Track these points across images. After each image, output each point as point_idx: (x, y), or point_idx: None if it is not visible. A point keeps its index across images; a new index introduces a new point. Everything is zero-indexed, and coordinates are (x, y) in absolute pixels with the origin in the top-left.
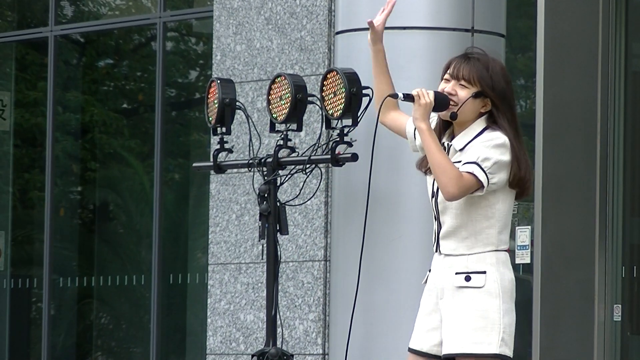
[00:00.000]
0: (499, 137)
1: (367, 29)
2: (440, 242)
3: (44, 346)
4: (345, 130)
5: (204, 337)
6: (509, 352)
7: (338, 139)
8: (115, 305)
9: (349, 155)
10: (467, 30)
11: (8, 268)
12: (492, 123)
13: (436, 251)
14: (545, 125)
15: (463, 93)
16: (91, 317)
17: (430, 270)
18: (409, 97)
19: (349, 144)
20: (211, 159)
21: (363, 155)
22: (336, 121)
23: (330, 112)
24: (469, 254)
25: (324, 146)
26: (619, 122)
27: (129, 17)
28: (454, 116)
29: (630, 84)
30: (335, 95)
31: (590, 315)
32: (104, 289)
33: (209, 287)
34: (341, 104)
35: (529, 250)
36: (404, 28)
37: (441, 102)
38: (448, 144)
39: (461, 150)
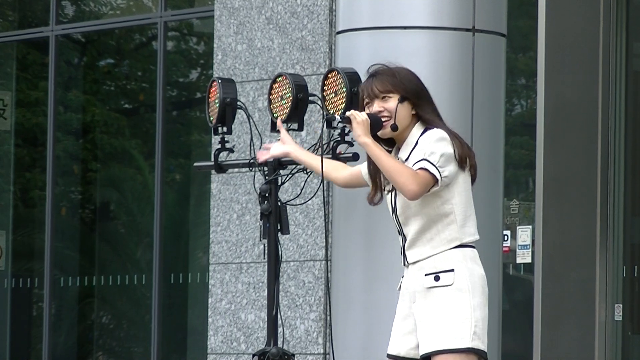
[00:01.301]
0: (436, 132)
1: (368, 28)
2: (406, 253)
3: (45, 346)
4: (346, 130)
5: (205, 336)
6: (482, 345)
7: (339, 139)
8: (116, 305)
9: (350, 154)
10: (467, 30)
11: (9, 267)
12: (425, 124)
13: (404, 264)
14: (546, 124)
15: (390, 103)
16: (92, 317)
17: (403, 277)
18: (345, 119)
19: (350, 144)
20: (212, 159)
21: (364, 155)
22: (323, 122)
23: (331, 111)
24: (435, 254)
25: (325, 146)
26: (619, 122)
27: (130, 17)
28: (395, 127)
29: (631, 83)
30: (336, 94)
31: (591, 314)
32: (105, 289)
33: (210, 286)
34: (342, 103)
35: (530, 249)
36: (405, 27)
37: (375, 121)
38: (396, 158)
39: (407, 159)
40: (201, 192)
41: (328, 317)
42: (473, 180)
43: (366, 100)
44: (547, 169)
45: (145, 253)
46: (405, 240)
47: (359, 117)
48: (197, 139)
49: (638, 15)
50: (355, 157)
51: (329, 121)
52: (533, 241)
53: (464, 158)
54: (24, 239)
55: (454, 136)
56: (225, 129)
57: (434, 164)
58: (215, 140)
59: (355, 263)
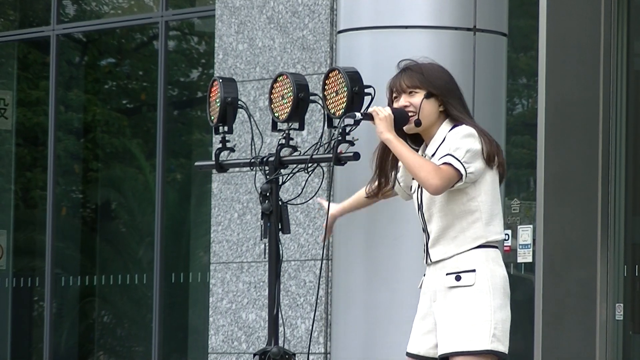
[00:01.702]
0: (464, 128)
1: (369, 28)
2: (430, 251)
3: (46, 345)
4: (347, 129)
5: (206, 336)
6: (502, 347)
7: (340, 138)
8: (117, 304)
9: (351, 154)
10: (469, 29)
11: (10, 267)
12: (454, 121)
13: (426, 262)
14: (547, 124)
15: (415, 99)
16: (93, 316)
17: (424, 275)
18: (367, 116)
19: (351, 143)
20: (213, 158)
21: (365, 154)
22: (338, 120)
23: (332, 111)
24: (459, 253)
25: (326, 145)
26: (620, 121)
27: (131, 16)
28: (418, 123)
29: (632, 82)
30: (337, 94)
31: (592, 314)
32: (106, 288)
33: (211, 286)
34: (343, 102)
35: (531, 249)
36: (406, 27)
37: (400, 116)
38: (422, 154)
39: (433, 155)
40: (202, 191)
41: (329, 317)
42: (502, 179)
43: (394, 95)
44: (548, 168)
45: (146, 252)
46: (429, 238)
47: (381, 113)
48: (198, 139)
49: (639, 14)
50: (356, 157)
51: (348, 119)
52: (534, 240)
53: (492, 156)
54: (25, 238)
55: (482, 133)
56: (226, 128)
57: (459, 159)
58: (216, 139)
59: (356, 263)
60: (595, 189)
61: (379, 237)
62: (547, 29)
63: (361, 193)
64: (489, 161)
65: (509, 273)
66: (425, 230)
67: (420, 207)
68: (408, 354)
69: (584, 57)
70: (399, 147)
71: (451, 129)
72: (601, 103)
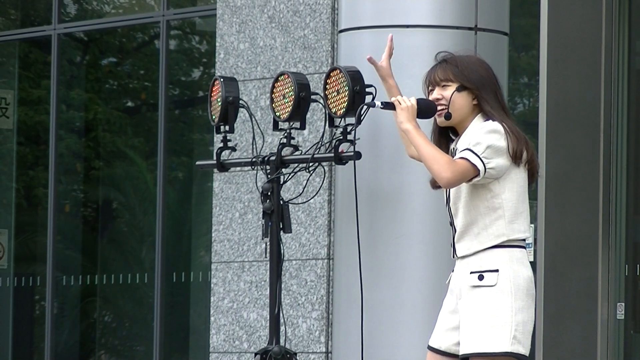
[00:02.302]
0: (490, 124)
1: (370, 27)
2: (456, 246)
3: (47, 344)
4: (349, 128)
5: (207, 335)
6: (523, 350)
7: (341, 137)
8: (118, 304)
9: (352, 153)
10: (470, 29)
11: (11, 266)
12: (486, 116)
13: (453, 257)
14: (548, 123)
15: (447, 92)
16: (94, 316)
17: (452, 271)
18: (388, 105)
19: (352, 142)
20: (214, 157)
21: (366, 154)
22: (339, 119)
23: (333, 110)
24: (482, 250)
25: (327, 144)
26: (622, 120)
27: (132, 16)
28: (448, 116)
29: (634, 82)
30: (338, 93)
31: (593, 313)
32: (107, 288)
33: (212, 285)
34: (344, 102)
35: (532, 248)
36: (407, 26)
37: (427, 107)
38: (453, 148)
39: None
40: (203, 190)
41: (330, 316)
42: (533, 178)
43: (429, 87)
44: (549, 167)
45: (148, 252)
46: (455, 232)
47: (404, 103)
48: (199, 138)
49: None
50: (357, 156)
51: (369, 107)
52: (535, 240)
53: (519, 153)
54: (27, 237)
55: (511, 130)
56: (227, 127)
57: (478, 154)
58: (218, 138)
59: (357, 261)
60: (596, 188)
61: (380, 236)
62: (548, 28)
63: None
64: (515, 158)
65: None
66: (452, 224)
67: (447, 201)
68: (430, 347)
69: (585, 56)
70: (417, 137)
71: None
72: (602, 102)
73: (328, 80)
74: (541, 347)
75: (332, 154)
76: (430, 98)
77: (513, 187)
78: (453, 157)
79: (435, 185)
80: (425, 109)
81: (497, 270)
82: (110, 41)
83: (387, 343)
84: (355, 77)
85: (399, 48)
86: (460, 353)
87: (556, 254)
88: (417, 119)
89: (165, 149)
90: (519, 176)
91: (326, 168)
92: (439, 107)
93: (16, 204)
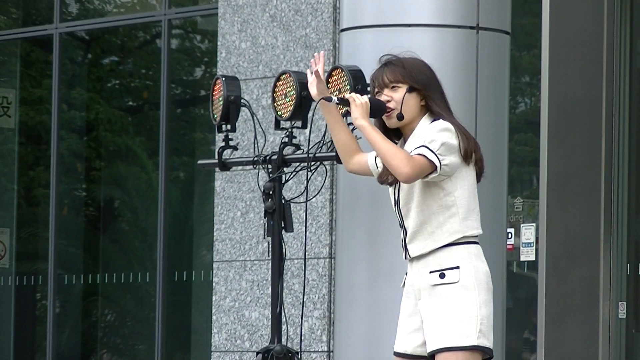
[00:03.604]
0: (441, 123)
1: (372, 26)
2: (408, 247)
3: (49, 343)
4: (350, 127)
5: (209, 334)
6: (488, 343)
7: None
8: (120, 303)
9: None
10: (472, 28)
11: (13, 265)
12: (434, 116)
13: (405, 258)
14: (550, 122)
15: (397, 94)
16: (96, 315)
17: (406, 274)
18: (343, 101)
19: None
20: (216, 156)
21: (365, 146)
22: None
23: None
24: (438, 248)
25: (329, 143)
26: (623, 120)
27: (133, 15)
28: (401, 117)
29: (635, 81)
30: (340, 92)
31: (595, 312)
32: (109, 287)
33: (214, 284)
34: None
35: (534, 247)
36: (409, 25)
37: (377, 106)
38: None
39: (412, 152)
40: (205, 189)
41: (332, 315)
42: (479, 175)
43: (376, 90)
44: (551, 166)
45: (150, 251)
46: (406, 233)
47: (358, 100)
48: (201, 137)
49: None
50: None
51: (327, 99)
52: (537, 239)
53: (469, 152)
54: (28, 237)
55: (460, 130)
56: (229, 126)
57: (433, 151)
58: (219, 138)
59: (359, 261)
60: (598, 187)
61: (381, 235)
62: (550, 27)
63: (355, 157)
64: (466, 157)
65: (511, 271)
66: (402, 225)
67: (397, 202)
68: (396, 353)
69: (587, 55)
70: (373, 134)
71: (430, 123)
72: (604, 101)
73: (330, 80)
74: (543, 346)
75: (334, 153)
76: (380, 99)
77: (464, 185)
78: None
79: (382, 180)
80: (375, 108)
81: (457, 267)
82: (112, 40)
83: (387, 342)
84: (357, 76)
85: (400, 47)
86: (428, 350)
87: (558, 253)
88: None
89: (167, 148)
90: (470, 174)
91: (328, 167)
92: (387, 109)
93: (17, 204)
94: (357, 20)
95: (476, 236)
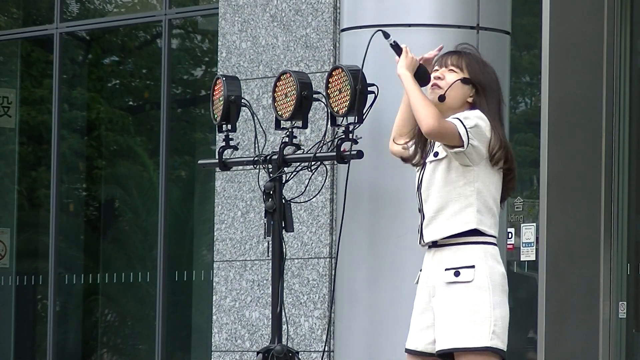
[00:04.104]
0: (478, 113)
1: (372, 26)
2: (424, 231)
3: (50, 343)
4: (351, 127)
5: (209, 334)
6: (501, 345)
7: (343, 136)
8: (120, 302)
9: (354, 152)
10: (472, 28)
11: (14, 265)
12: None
13: (420, 243)
14: (550, 122)
15: (451, 77)
16: (97, 314)
17: (421, 270)
18: (397, 47)
19: (354, 141)
20: (216, 156)
21: (368, 153)
22: (341, 118)
23: (335, 109)
24: (454, 242)
25: (329, 143)
26: (624, 120)
27: (134, 15)
28: (442, 98)
29: (636, 81)
30: (340, 92)
31: (595, 312)
32: (110, 286)
33: (214, 284)
34: (346, 101)
35: (534, 247)
36: (409, 25)
37: (422, 74)
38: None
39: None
40: (205, 189)
41: (332, 315)
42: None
43: (435, 67)
44: (551, 166)
45: (150, 250)
46: (424, 218)
47: (410, 54)
48: (201, 137)
49: None
50: (359, 155)
51: (385, 35)
52: (537, 239)
53: (496, 153)
54: (29, 237)
55: (498, 134)
56: (229, 126)
57: (466, 127)
58: (220, 137)
59: (360, 261)
60: (598, 187)
61: (382, 235)
62: (550, 27)
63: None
64: (491, 155)
65: (512, 271)
66: (420, 210)
67: (419, 186)
68: (407, 350)
69: (587, 55)
70: (411, 85)
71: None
72: (604, 101)
73: (330, 79)
74: (543, 346)
75: (334, 153)
76: (433, 75)
77: (486, 182)
78: (428, 153)
79: (405, 158)
80: (421, 74)
81: (473, 266)
82: (112, 40)
83: (388, 342)
84: (357, 76)
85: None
86: (437, 349)
87: (558, 252)
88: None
89: (168, 147)
90: (494, 177)
91: (328, 167)
92: (432, 85)
93: (18, 203)
94: (358, 20)
95: (493, 237)
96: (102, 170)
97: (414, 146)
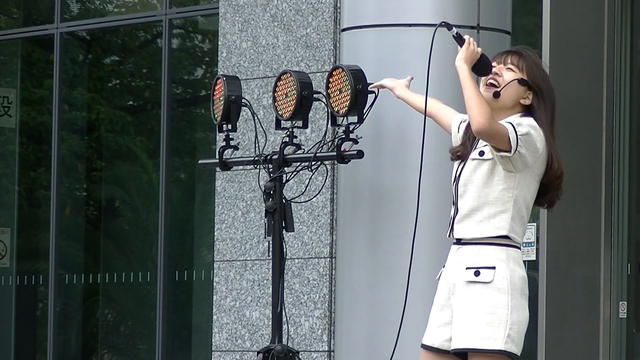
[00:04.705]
0: (532, 121)
1: (372, 26)
2: (455, 226)
3: (50, 343)
4: (351, 127)
5: (209, 334)
6: (515, 349)
7: (344, 136)
8: (121, 303)
9: (355, 152)
10: (472, 28)
11: (14, 265)
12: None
13: (449, 236)
14: None
15: (509, 75)
16: (97, 314)
17: (444, 266)
18: (460, 38)
19: (355, 141)
20: (217, 156)
21: (369, 152)
22: (342, 118)
23: (335, 109)
24: (481, 242)
25: (330, 143)
26: (624, 119)
27: (134, 14)
28: (496, 94)
29: (636, 81)
30: (340, 92)
31: (595, 312)
32: (110, 286)
33: (214, 284)
34: (347, 101)
35: (535, 247)
36: (410, 25)
37: (485, 65)
38: (476, 140)
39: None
40: (206, 189)
41: (332, 315)
42: (550, 198)
43: (494, 63)
44: None
45: (150, 251)
46: (457, 213)
47: (472, 46)
48: (202, 137)
49: None
50: (359, 155)
51: (448, 27)
52: (537, 239)
53: (550, 168)
54: (29, 237)
55: (551, 145)
56: (230, 126)
57: (517, 133)
58: (220, 137)
59: (360, 260)
60: (598, 187)
61: (382, 234)
62: (550, 27)
63: (435, 105)
64: (546, 170)
65: None
66: (455, 204)
67: (456, 179)
68: (423, 346)
69: (588, 55)
70: (468, 78)
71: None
72: (604, 101)
73: (330, 79)
74: (543, 346)
75: (335, 153)
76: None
77: (524, 189)
78: (471, 151)
79: (454, 156)
80: (482, 65)
81: (493, 268)
82: (112, 40)
83: (388, 342)
84: (357, 76)
85: (401, 47)
86: (452, 347)
87: (558, 252)
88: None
89: (168, 147)
90: (532, 186)
91: (328, 167)
92: (490, 79)
93: (19, 204)
94: (358, 20)
95: (519, 242)
96: (101, 170)
97: (461, 139)
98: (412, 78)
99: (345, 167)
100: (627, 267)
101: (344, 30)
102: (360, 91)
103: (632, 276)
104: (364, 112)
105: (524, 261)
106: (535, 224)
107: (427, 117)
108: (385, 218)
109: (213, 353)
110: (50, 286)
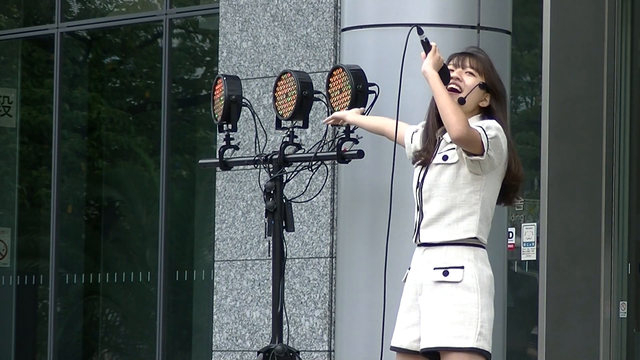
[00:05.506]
0: (497, 124)
1: (373, 25)
2: (421, 231)
3: (50, 343)
4: (351, 127)
5: (210, 333)
6: (487, 346)
7: (344, 136)
8: (121, 302)
9: (355, 152)
10: (472, 27)
11: (14, 265)
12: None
13: (415, 241)
14: (551, 122)
15: (470, 80)
16: (97, 314)
17: (409, 268)
18: (427, 45)
19: (355, 141)
20: (217, 156)
21: (369, 152)
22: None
23: (336, 108)
24: (448, 243)
25: (330, 143)
26: (624, 119)
27: (135, 14)
28: (462, 101)
29: (636, 80)
30: (341, 92)
31: (596, 312)
32: (110, 286)
33: (215, 283)
34: (347, 100)
35: (535, 247)
36: (409, 25)
37: (445, 74)
38: (440, 137)
39: (451, 142)
40: (206, 189)
41: (333, 315)
42: (510, 200)
43: (451, 68)
44: (551, 166)
45: (151, 250)
46: (422, 218)
47: (438, 53)
48: (202, 136)
49: None
50: (360, 155)
51: (419, 31)
52: (538, 238)
53: (510, 168)
54: (30, 236)
55: (511, 147)
56: (230, 126)
57: (488, 137)
58: (220, 137)
59: (360, 260)
60: (599, 187)
61: (382, 234)
62: (551, 26)
63: (387, 122)
64: (508, 170)
65: (512, 271)
66: (419, 209)
67: (419, 185)
68: (392, 348)
69: (588, 54)
70: (439, 86)
71: (482, 120)
72: (605, 100)
73: (331, 79)
74: (543, 346)
75: (335, 153)
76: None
77: (491, 191)
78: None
79: (415, 161)
80: (443, 73)
81: (462, 267)
82: (113, 40)
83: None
84: (357, 76)
85: (401, 47)
86: (422, 346)
87: (559, 252)
88: None
89: (169, 147)
90: (497, 186)
91: (329, 166)
92: (451, 84)
93: (19, 203)
94: (358, 20)
95: (485, 243)
96: (102, 170)
97: (422, 144)
98: (364, 108)
99: (345, 167)
100: (627, 267)
101: (344, 30)
102: (361, 91)
103: (632, 276)
104: (365, 111)
105: (524, 261)
106: (535, 224)
107: (378, 135)
108: (385, 218)
109: (213, 353)
110: (50, 286)
